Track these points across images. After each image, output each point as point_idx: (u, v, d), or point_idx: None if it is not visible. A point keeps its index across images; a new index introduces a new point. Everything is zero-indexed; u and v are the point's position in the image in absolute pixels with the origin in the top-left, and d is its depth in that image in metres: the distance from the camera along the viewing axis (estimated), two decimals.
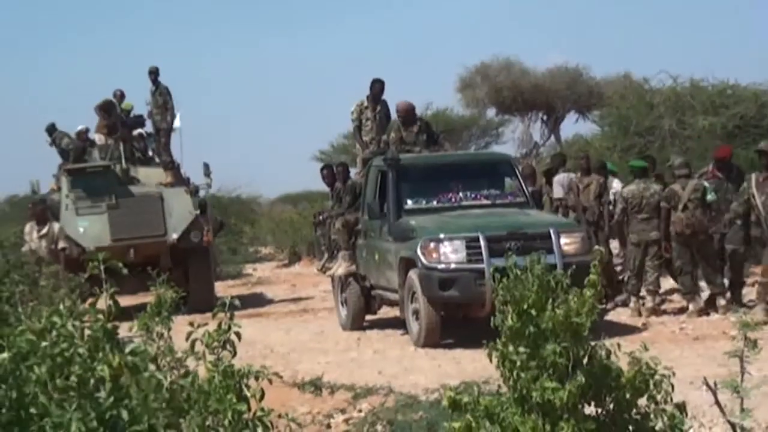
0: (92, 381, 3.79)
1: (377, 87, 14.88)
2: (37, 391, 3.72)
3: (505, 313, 4.65)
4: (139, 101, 19.08)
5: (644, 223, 13.27)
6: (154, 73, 18.60)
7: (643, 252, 13.32)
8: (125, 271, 4.53)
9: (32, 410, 3.71)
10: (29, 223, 17.33)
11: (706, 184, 13.00)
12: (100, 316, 4.04)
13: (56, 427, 3.61)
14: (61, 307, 4.00)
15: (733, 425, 4.63)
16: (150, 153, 19.17)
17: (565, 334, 4.54)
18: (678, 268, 13.13)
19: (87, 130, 19.03)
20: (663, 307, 13.57)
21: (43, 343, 3.82)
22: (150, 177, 18.06)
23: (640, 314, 13.20)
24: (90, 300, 4.28)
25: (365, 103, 14.85)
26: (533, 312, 4.59)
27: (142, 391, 3.93)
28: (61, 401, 3.69)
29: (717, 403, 4.60)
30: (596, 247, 11.20)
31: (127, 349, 3.99)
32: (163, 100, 18.47)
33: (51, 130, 18.85)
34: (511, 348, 4.61)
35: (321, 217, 15.46)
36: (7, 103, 72.15)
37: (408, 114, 14.21)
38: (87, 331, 3.94)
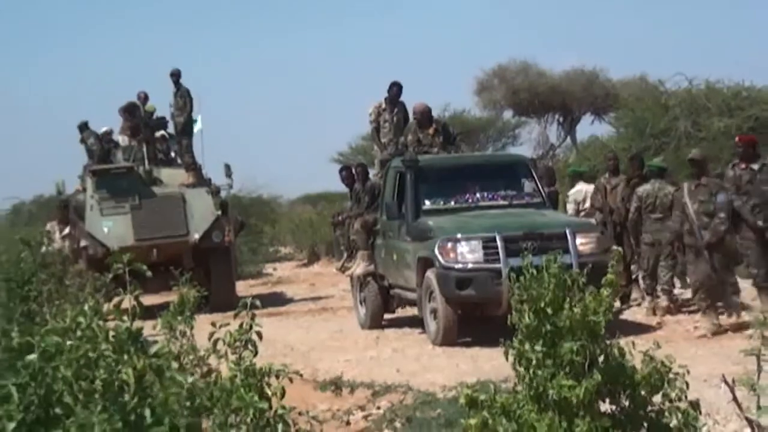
0: (117, 383, 3.80)
1: (395, 89, 14.90)
2: (63, 391, 3.74)
3: (522, 311, 4.66)
4: (163, 103, 19.16)
5: (658, 222, 13.22)
6: (175, 75, 18.64)
7: (656, 252, 13.29)
8: (149, 273, 4.55)
9: (58, 410, 3.73)
10: (50, 223, 17.42)
11: None
12: (125, 317, 4.06)
13: (81, 427, 3.63)
14: (86, 307, 4.01)
15: (750, 422, 4.62)
16: (173, 154, 19.22)
17: (581, 332, 4.54)
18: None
19: (111, 132, 19.10)
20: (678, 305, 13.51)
21: (68, 343, 3.84)
22: (172, 178, 18.10)
23: (654, 313, 13.16)
24: (115, 300, 4.30)
25: (383, 105, 14.87)
26: (550, 311, 4.59)
27: (165, 390, 3.94)
28: (86, 402, 3.70)
29: (735, 399, 4.59)
30: (614, 247, 11.14)
31: (151, 350, 4.00)
32: (183, 101, 18.51)
33: (82, 128, 18.90)
34: (527, 346, 4.62)
35: (340, 218, 15.47)
36: (33, 106, 72.50)
37: (424, 115, 14.21)
38: (111, 333, 3.95)
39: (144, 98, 19.29)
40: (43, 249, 11.58)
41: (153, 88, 19.86)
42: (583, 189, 14.84)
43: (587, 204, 14.46)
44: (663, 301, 13.28)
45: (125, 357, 3.87)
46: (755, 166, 11.94)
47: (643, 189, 13.44)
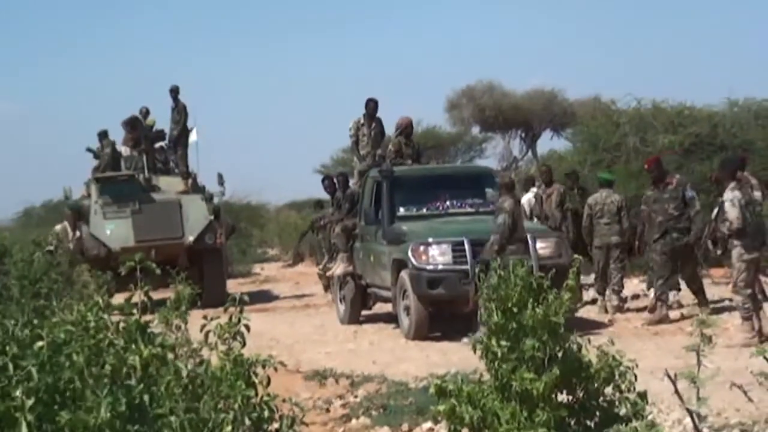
0: (124, 370, 3.79)
1: (372, 105, 14.90)
2: (74, 377, 3.72)
3: (491, 310, 4.65)
4: (163, 116, 19.11)
5: (606, 227, 13.29)
6: (174, 92, 18.59)
7: (606, 254, 13.32)
8: (158, 270, 4.54)
9: (68, 395, 3.70)
10: (61, 225, 17.29)
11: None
12: (133, 311, 4.06)
13: (88, 410, 3.61)
14: (98, 301, 4.00)
15: (690, 412, 4.62)
16: (171, 164, 19.16)
17: (543, 330, 4.54)
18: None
19: (113, 143, 19.01)
20: (627, 305, 13.56)
21: (79, 334, 3.83)
22: (170, 185, 18.06)
23: (606, 311, 13.19)
24: (127, 295, 4.29)
25: (362, 121, 14.86)
26: (515, 310, 4.58)
27: (165, 378, 3.93)
28: (94, 387, 3.68)
29: (676, 392, 4.59)
30: (576, 255, 11.09)
31: (156, 342, 3.99)
32: (179, 116, 18.46)
33: (102, 135, 18.70)
34: (494, 341, 4.61)
35: (322, 222, 15.44)
36: (43, 116, 72.13)
37: (409, 128, 14.33)
38: (122, 324, 3.95)
39: (145, 113, 19.22)
40: (51, 247, 11.53)
41: (152, 101, 19.81)
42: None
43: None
44: (614, 300, 13.32)
45: (133, 346, 3.86)
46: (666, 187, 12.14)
47: (593, 198, 13.51)
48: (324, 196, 17.27)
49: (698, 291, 12.29)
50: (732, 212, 10.12)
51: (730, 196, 10.26)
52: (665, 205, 12.03)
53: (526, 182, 16.21)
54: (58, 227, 17.15)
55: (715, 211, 10.67)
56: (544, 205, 14.34)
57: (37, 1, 78.16)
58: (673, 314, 12.35)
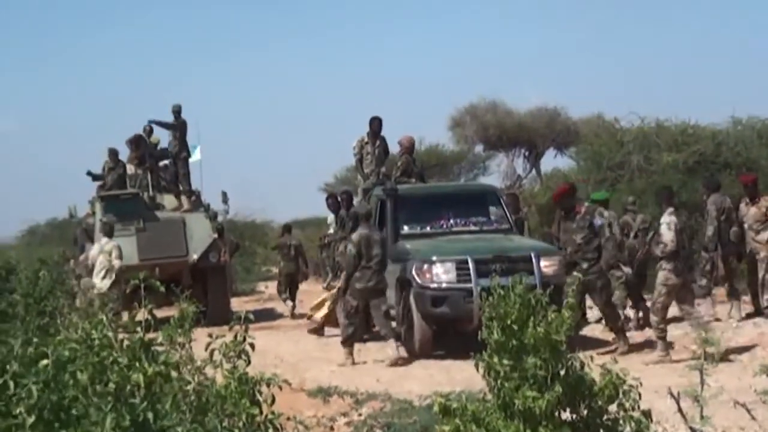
0: (128, 387, 3.80)
1: (376, 123, 14.91)
2: (78, 395, 3.72)
3: (491, 328, 4.65)
4: (165, 134, 19.12)
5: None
6: (177, 111, 18.64)
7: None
8: (162, 288, 4.56)
9: (73, 412, 3.71)
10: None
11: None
12: (137, 329, 4.07)
13: (93, 425, 3.61)
14: (103, 319, 4.01)
15: (693, 430, 4.62)
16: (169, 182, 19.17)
17: (544, 348, 4.54)
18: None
19: (125, 165, 19.08)
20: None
21: (83, 352, 3.84)
22: (174, 203, 18.10)
23: (610, 330, 13.14)
24: (132, 313, 4.30)
25: (365, 139, 14.88)
26: (516, 327, 4.58)
27: (170, 395, 3.93)
28: (99, 404, 3.69)
29: (680, 410, 4.59)
30: (575, 273, 11.08)
31: (160, 359, 4.00)
32: (180, 134, 18.53)
33: (114, 153, 18.74)
34: (496, 359, 4.61)
35: (326, 240, 15.43)
36: (48, 136, 72.34)
37: (412, 147, 14.43)
38: (126, 342, 3.96)
39: (149, 130, 19.25)
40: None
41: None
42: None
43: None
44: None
45: (137, 364, 3.87)
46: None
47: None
48: (323, 214, 17.36)
49: (614, 327, 11.80)
50: (667, 235, 10.66)
51: (667, 220, 10.78)
52: (573, 235, 11.74)
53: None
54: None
55: (651, 234, 11.42)
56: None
57: (40, 22, 78.48)
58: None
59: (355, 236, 11.91)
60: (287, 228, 20.51)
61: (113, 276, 14.52)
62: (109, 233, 15.22)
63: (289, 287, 19.13)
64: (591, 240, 11.66)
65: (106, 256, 14.71)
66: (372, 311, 12.10)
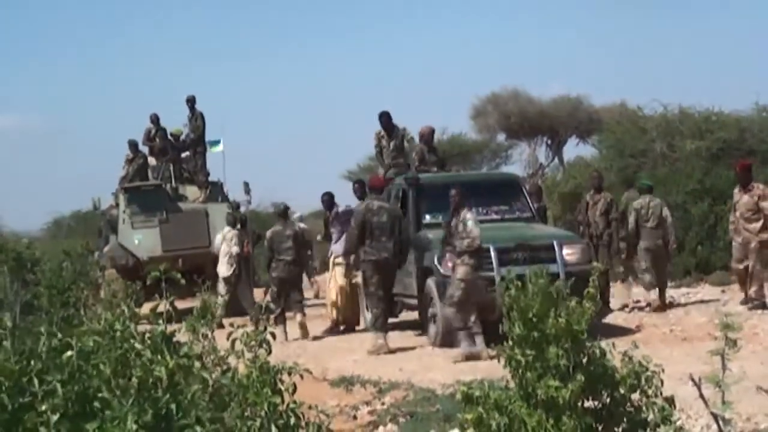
0: (151, 380, 3.81)
1: (384, 119, 14.79)
2: (101, 386, 3.74)
3: (513, 319, 4.64)
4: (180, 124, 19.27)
5: (653, 231, 13.74)
6: (191, 101, 18.71)
7: (653, 256, 13.74)
8: (183, 281, 4.58)
9: (96, 404, 3.72)
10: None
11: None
12: (159, 321, 4.09)
13: (114, 419, 3.63)
14: (125, 310, 4.02)
15: (715, 416, 4.60)
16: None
17: (566, 339, 4.53)
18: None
19: (145, 156, 19.21)
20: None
21: (106, 343, 3.85)
22: (196, 194, 18.19)
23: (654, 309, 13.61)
24: (152, 305, 4.31)
25: (382, 132, 14.85)
26: (537, 319, 4.57)
27: (191, 387, 3.94)
28: (121, 398, 3.71)
29: (701, 396, 4.56)
30: (595, 263, 11.07)
31: (182, 351, 4.01)
32: (197, 123, 18.63)
33: (135, 146, 18.86)
34: (517, 350, 4.60)
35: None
36: (72, 129, 72.72)
37: (429, 136, 14.40)
38: (147, 334, 3.97)
39: (155, 119, 19.24)
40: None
41: (178, 111, 19.84)
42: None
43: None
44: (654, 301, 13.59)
45: (159, 357, 3.88)
46: None
47: (638, 203, 13.77)
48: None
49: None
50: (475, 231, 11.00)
51: None
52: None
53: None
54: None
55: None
56: (589, 211, 14.25)
57: (63, 18, 78.86)
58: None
59: (268, 233, 14.07)
60: (282, 212, 14.88)
61: (233, 263, 15.87)
62: (232, 223, 16.37)
63: (288, 295, 14.00)
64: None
65: (228, 243, 15.95)
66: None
